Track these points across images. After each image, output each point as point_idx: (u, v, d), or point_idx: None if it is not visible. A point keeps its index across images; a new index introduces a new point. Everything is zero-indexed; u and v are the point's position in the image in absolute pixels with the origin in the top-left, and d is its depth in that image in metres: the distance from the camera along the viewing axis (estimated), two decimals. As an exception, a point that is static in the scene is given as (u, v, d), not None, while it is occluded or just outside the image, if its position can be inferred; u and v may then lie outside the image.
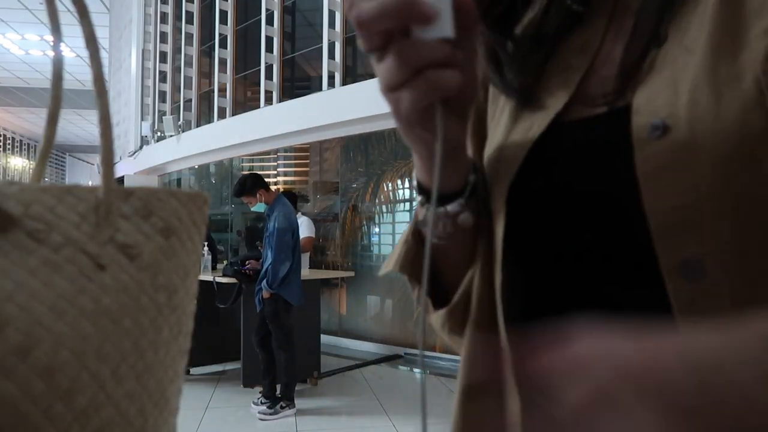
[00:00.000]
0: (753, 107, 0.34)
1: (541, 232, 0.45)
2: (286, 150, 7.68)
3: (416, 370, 5.14)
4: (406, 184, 6.10)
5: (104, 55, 14.29)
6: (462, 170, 0.44)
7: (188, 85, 9.94)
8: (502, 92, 0.50)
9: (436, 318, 0.51)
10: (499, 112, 0.50)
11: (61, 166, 27.84)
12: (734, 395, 0.28)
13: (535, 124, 0.44)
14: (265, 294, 3.79)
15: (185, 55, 10.03)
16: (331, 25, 6.62)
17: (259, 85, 7.63)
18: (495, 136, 0.48)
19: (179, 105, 10.10)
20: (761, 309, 0.32)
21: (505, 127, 0.47)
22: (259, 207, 3.95)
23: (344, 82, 6.37)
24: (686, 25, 0.39)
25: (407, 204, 6.16)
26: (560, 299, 0.44)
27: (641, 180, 0.37)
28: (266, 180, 4.08)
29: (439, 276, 0.50)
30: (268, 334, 3.90)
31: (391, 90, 0.37)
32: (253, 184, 3.92)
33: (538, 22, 0.48)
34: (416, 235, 0.50)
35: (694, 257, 0.35)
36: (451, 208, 0.44)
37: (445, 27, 0.34)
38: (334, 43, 6.55)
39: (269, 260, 3.75)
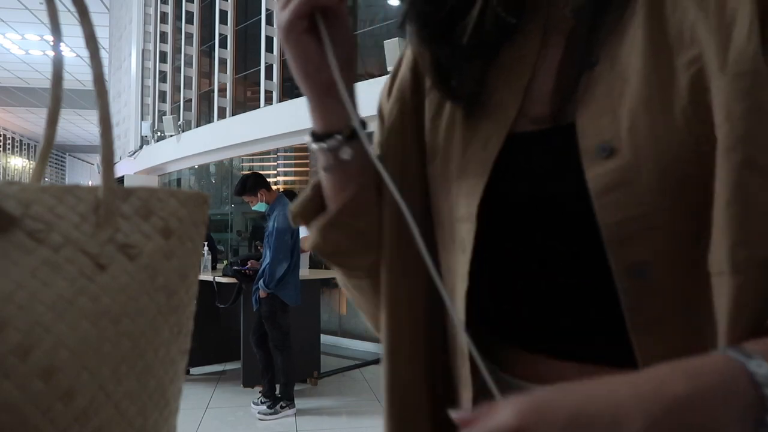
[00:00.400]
0: (683, 134, 0.39)
1: (509, 240, 0.49)
2: (286, 150, 7.68)
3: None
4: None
5: (104, 55, 14.28)
6: (341, 115, 0.51)
7: (188, 85, 9.94)
8: (446, 99, 0.53)
9: (315, 234, 0.56)
10: (448, 117, 0.53)
11: (61, 166, 27.84)
12: None
13: (492, 138, 0.48)
14: (262, 294, 3.79)
15: (185, 55, 10.02)
16: (331, 25, 6.61)
17: (259, 85, 7.63)
18: (454, 147, 0.51)
19: (179, 105, 10.10)
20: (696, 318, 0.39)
21: (462, 138, 0.51)
22: (260, 206, 3.95)
23: (344, 82, 6.36)
24: (616, 51, 0.43)
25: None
26: (524, 297, 0.49)
27: (593, 196, 0.41)
28: (266, 180, 4.08)
29: (323, 201, 0.56)
30: (266, 334, 3.90)
31: (282, 8, 0.47)
32: (254, 183, 3.92)
33: (475, 31, 0.51)
34: (316, 184, 0.56)
35: (639, 262, 0.40)
36: (329, 144, 0.51)
37: None
38: None
39: (267, 260, 3.76)
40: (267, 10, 7.59)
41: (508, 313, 0.51)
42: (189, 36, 9.93)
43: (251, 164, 8.34)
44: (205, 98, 9.61)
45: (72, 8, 0.34)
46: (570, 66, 0.46)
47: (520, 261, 0.49)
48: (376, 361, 5.46)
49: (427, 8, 0.52)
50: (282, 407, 3.84)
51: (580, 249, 0.44)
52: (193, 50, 9.82)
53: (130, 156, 11.49)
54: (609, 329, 0.43)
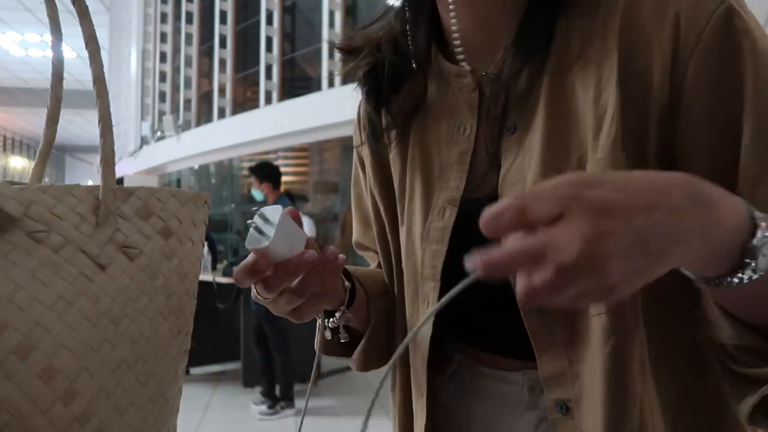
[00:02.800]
0: None
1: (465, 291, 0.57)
2: (286, 150, 7.68)
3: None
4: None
5: (104, 55, 14.24)
6: (337, 297, 0.60)
7: (188, 85, 9.94)
8: (372, 141, 0.64)
9: (354, 363, 0.69)
10: (409, 187, 0.63)
11: (61, 166, 27.85)
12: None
13: (446, 210, 0.58)
14: (262, 294, 3.79)
15: (185, 55, 10.02)
16: (331, 25, 6.61)
17: (258, 85, 7.63)
18: (415, 216, 0.61)
19: (179, 105, 10.10)
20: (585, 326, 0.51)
21: (422, 208, 0.60)
22: (256, 194, 3.98)
23: (344, 82, 6.37)
24: (527, 125, 0.52)
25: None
26: (478, 324, 0.61)
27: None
28: (280, 178, 4.07)
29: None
30: (266, 334, 3.90)
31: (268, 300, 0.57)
32: (266, 174, 3.93)
33: (406, 99, 0.62)
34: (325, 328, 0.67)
35: (540, 308, 0.51)
36: (340, 315, 0.62)
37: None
38: (333, 42, 6.54)
39: (268, 260, 3.76)
40: (267, 10, 7.59)
41: (472, 331, 0.63)
42: (189, 36, 9.93)
43: (251, 164, 8.33)
44: (205, 98, 9.61)
45: (72, 8, 0.34)
46: (494, 132, 0.55)
47: (474, 302, 0.58)
48: (376, 361, 5.45)
49: (371, 78, 0.62)
50: (282, 407, 3.84)
51: (510, 294, 0.54)
52: (193, 50, 9.82)
53: (130, 156, 11.49)
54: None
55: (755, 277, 0.39)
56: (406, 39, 0.61)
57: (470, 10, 0.56)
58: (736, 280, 0.40)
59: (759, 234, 0.38)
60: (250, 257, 0.49)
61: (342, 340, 0.65)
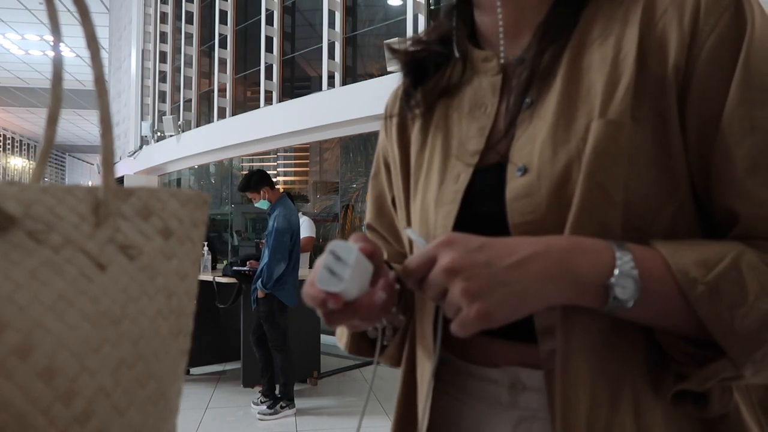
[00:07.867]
0: (574, 160, 0.52)
1: None
2: (286, 150, 7.68)
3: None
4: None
5: (104, 55, 14.26)
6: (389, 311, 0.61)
7: (188, 85, 9.94)
8: (408, 111, 0.69)
9: (390, 359, 0.70)
10: (428, 158, 0.66)
11: (61, 166, 27.86)
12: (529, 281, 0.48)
13: (461, 175, 0.61)
14: (260, 294, 3.79)
15: (185, 55, 10.02)
16: (331, 25, 6.61)
17: (259, 85, 7.63)
18: (431, 182, 0.64)
19: (179, 105, 10.10)
20: None
21: (439, 175, 0.64)
22: (262, 204, 3.96)
23: (344, 82, 6.37)
24: (543, 98, 0.56)
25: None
26: None
27: (507, 203, 0.55)
28: (271, 178, 4.06)
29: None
30: (266, 333, 3.90)
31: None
32: (258, 181, 3.92)
33: (441, 76, 0.67)
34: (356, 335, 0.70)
35: None
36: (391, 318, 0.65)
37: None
38: (333, 43, 6.54)
39: (265, 260, 3.76)
40: (267, 10, 7.59)
41: None
42: (189, 36, 9.93)
43: (251, 164, 8.33)
44: (205, 98, 9.61)
45: (72, 8, 0.34)
46: (515, 107, 0.59)
47: None
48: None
49: (410, 56, 0.68)
50: (282, 407, 3.84)
51: None
52: (193, 50, 9.82)
53: (130, 156, 11.49)
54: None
55: (628, 305, 0.47)
56: (451, 32, 0.67)
57: (510, 3, 0.61)
58: (612, 308, 0.48)
59: (616, 272, 0.47)
60: (320, 294, 0.50)
61: (385, 344, 0.66)
